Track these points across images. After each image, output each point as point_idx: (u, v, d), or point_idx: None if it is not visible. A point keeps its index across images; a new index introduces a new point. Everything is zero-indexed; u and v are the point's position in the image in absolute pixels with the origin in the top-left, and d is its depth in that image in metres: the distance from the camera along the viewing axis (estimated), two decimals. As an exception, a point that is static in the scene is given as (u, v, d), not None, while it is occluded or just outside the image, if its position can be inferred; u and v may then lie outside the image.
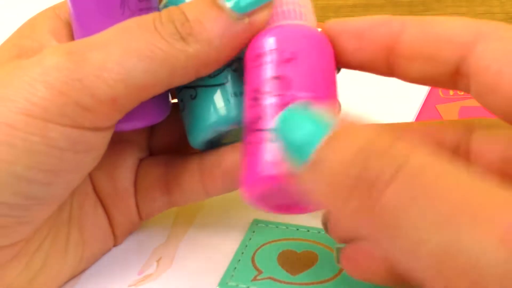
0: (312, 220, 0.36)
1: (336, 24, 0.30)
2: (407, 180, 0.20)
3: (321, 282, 0.32)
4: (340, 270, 0.33)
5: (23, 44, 0.32)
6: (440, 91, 0.47)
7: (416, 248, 0.19)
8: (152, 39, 0.29)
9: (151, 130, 0.37)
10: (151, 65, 0.28)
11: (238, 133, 0.33)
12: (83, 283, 0.34)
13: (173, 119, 0.35)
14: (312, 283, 0.32)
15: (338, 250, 0.30)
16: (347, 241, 0.30)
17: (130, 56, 0.28)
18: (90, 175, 0.35)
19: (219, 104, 0.32)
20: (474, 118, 0.30)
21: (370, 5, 0.61)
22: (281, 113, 0.23)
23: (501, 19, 0.58)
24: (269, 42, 0.29)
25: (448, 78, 0.28)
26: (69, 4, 0.31)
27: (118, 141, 0.35)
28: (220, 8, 0.29)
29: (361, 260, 0.29)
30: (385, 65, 0.29)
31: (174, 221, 0.38)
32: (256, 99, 0.29)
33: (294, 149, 0.22)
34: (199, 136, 0.33)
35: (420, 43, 0.28)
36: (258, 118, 0.28)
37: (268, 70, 0.29)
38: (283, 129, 0.23)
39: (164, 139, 0.37)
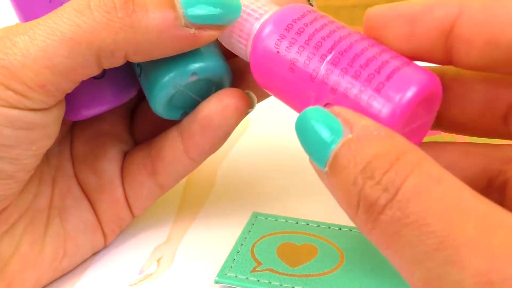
0: (311, 214, 0.36)
1: (384, 9, 0.28)
2: (397, 212, 0.21)
3: (320, 275, 0.32)
4: (339, 264, 0.33)
5: None
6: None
7: (409, 273, 0.21)
8: (79, 19, 0.28)
9: (131, 120, 0.37)
10: (74, 49, 0.28)
11: (203, 89, 0.32)
12: (83, 282, 0.34)
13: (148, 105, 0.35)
14: (311, 275, 0.32)
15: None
16: None
17: (52, 40, 0.28)
18: (75, 171, 0.35)
19: (173, 59, 0.31)
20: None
21: (370, 5, 0.61)
22: (298, 117, 0.25)
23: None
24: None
25: (511, 62, 0.26)
26: None
27: (98, 135, 0.35)
28: (173, 7, 0.29)
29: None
30: (443, 51, 0.27)
31: (174, 220, 0.38)
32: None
33: (312, 154, 0.24)
34: (159, 96, 0.32)
35: (480, 25, 0.26)
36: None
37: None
38: (301, 133, 0.25)
39: (145, 127, 0.37)
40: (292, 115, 0.35)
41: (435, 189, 0.21)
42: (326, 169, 0.23)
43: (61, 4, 0.30)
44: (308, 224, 0.35)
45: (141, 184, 0.35)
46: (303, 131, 0.24)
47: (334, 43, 0.28)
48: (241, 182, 0.39)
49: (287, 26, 0.29)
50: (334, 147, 0.23)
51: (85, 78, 0.29)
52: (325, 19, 0.29)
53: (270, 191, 0.39)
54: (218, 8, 0.29)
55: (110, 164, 0.36)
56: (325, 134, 0.23)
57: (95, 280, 0.34)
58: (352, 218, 0.23)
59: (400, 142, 0.23)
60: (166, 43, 0.29)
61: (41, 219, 0.33)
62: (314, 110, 0.24)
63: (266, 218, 0.36)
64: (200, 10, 0.29)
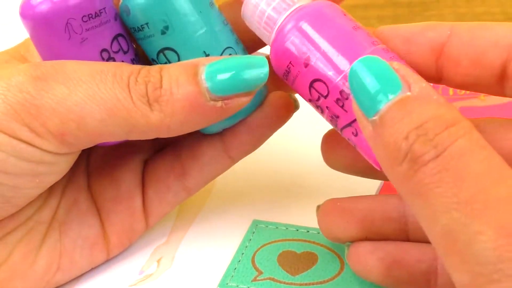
0: (311, 221, 0.36)
1: (387, 30, 0.30)
2: (439, 166, 0.22)
3: (321, 283, 0.32)
4: (340, 271, 0.33)
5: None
6: (439, 90, 0.46)
7: (432, 222, 0.22)
8: (119, 94, 0.29)
9: None
10: (110, 118, 0.29)
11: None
12: (83, 282, 0.34)
13: None
14: (312, 284, 0.32)
15: (348, 246, 0.31)
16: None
17: (91, 102, 0.28)
18: (89, 182, 0.35)
19: None
20: (482, 118, 0.30)
21: (370, 5, 0.61)
22: (355, 62, 0.25)
23: (500, 19, 0.58)
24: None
25: (494, 82, 0.28)
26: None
27: (118, 145, 0.35)
28: (198, 83, 0.29)
29: (362, 258, 0.31)
30: (435, 70, 0.29)
31: (174, 221, 0.38)
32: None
33: (363, 101, 0.24)
34: (207, 130, 0.33)
35: (466, 46, 0.28)
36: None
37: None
38: (355, 78, 0.25)
39: None
40: (293, 122, 0.35)
41: (479, 152, 0.22)
42: (376, 118, 0.24)
43: (80, 42, 0.30)
44: (308, 231, 0.35)
45: (168, 188, 0.35)
46: (359, 76, 0.25)
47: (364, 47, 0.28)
48: (241, 184, 0.39)
49: (317, 25, 0.29)
50: (391, 100, 0.24)
51: (105, 141, 0.30)
52: (352, 22, 0.29)
53: (270, 196, 0.39)
54: (243, 75, 0.29)
55: (129, 174, 0.35)
56: (383, 84, 0.24)
57: (95, 280, 0.34)
58: (390, 169, 0.24)
59: (456, 112, 0.23)
60: (195, 121, 0.30)
61: (39, 231, 0.33)
62: (374, 59, 0.25)
63: (267, 226, 0.36)
64: (224, 82, 0.29)
